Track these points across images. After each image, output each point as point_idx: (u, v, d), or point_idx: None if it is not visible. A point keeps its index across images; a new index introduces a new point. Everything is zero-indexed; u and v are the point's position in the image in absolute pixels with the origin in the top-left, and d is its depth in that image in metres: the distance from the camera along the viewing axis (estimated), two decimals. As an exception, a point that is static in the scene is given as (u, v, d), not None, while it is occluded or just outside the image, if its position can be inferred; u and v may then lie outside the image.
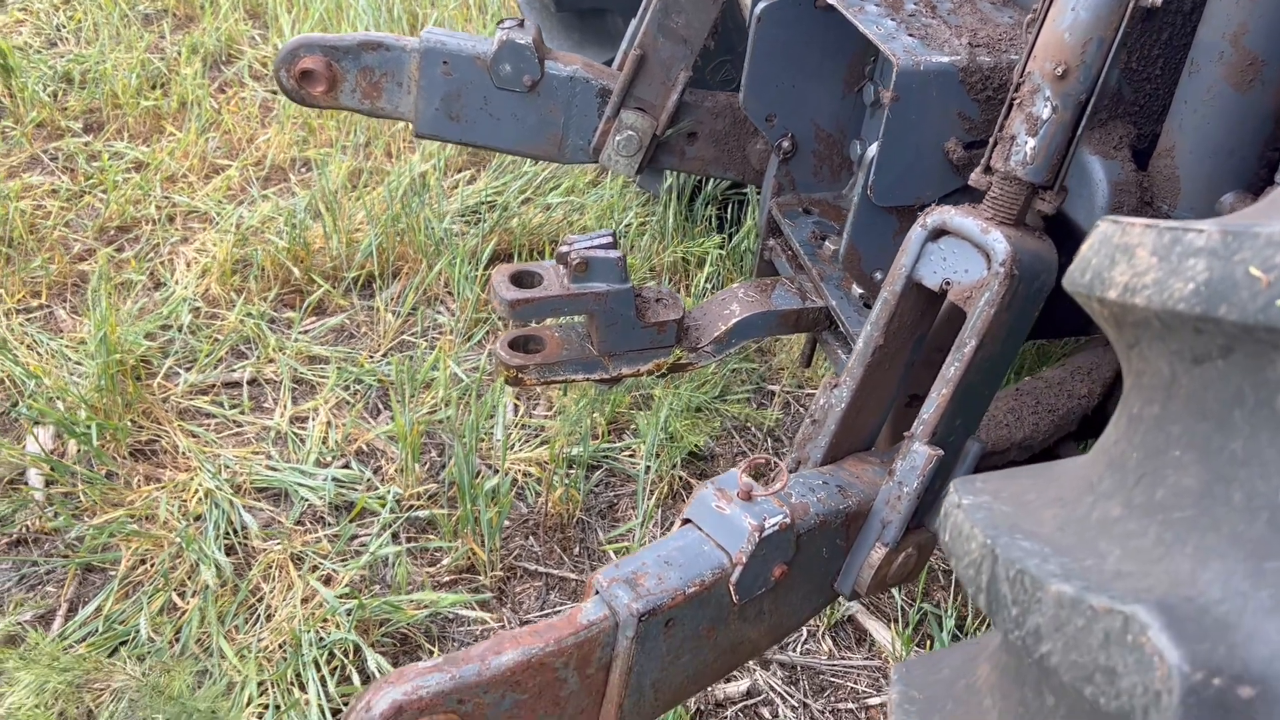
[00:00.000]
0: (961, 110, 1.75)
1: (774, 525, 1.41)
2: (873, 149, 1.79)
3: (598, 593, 1.35)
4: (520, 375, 2.18)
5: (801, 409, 2.96)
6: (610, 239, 2.16)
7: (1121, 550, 0.76)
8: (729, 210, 3.33)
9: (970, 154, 1.79)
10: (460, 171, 3.63)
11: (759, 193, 3.15)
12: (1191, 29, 1.69)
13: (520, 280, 2.16)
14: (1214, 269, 0.68)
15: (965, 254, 1.48)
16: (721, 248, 3.16)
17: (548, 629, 1.28)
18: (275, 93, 3.95)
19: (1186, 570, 0.69)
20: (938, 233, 1.51)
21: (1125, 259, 0.76)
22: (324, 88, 2.33)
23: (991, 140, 1.50)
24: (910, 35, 1.76)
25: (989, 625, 2.33)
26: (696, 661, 1.45)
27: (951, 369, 1.49)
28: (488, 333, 3.04)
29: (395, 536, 2.47)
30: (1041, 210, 1.50)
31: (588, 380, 2.24)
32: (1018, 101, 1.46)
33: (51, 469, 2.50)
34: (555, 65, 2.38)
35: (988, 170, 1.51)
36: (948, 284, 1.50)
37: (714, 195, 3.26)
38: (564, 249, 2.13)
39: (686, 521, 1.47)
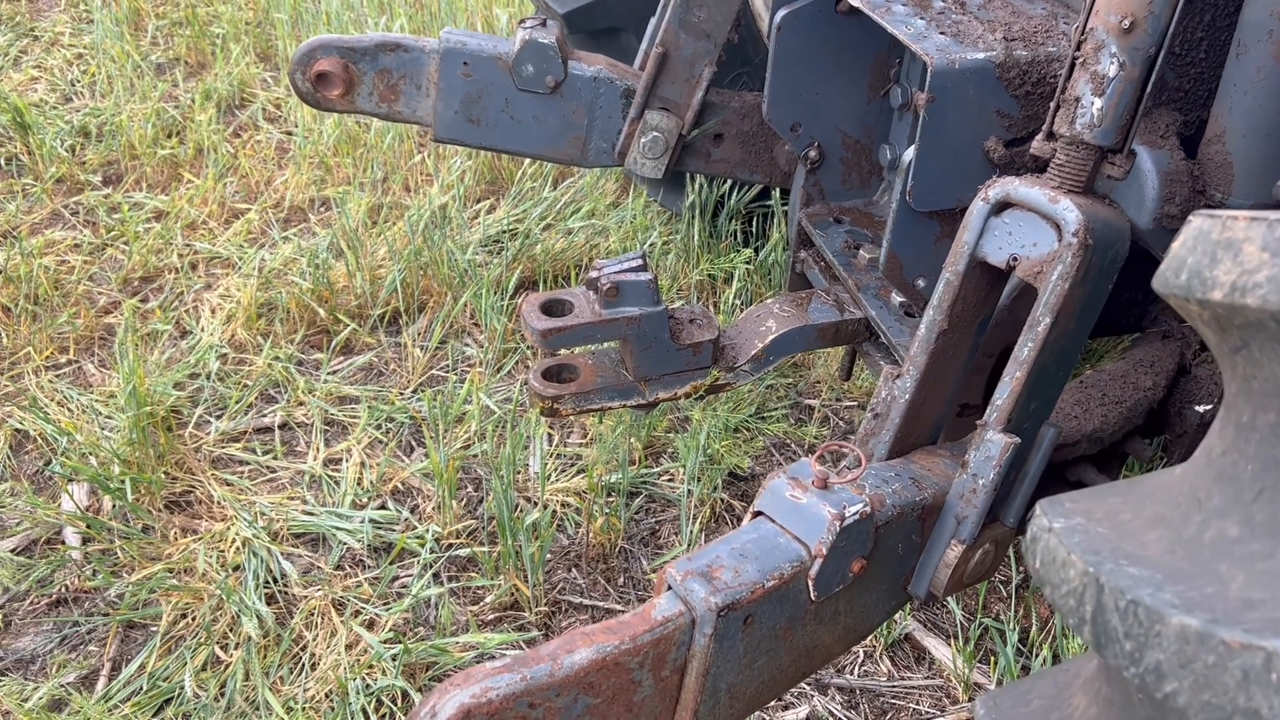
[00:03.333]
0: (1000, 108, 1.69)
1: (854, 514, 1.33)
2: (909, 153, 1.73)
3: (670, 588, 1.27)
4: (556, 406, 2.13)
5: (842, 422, 2.90)
6: (640, 261, 2.11)
7: (1246, 575, 0.69)
8: (754, 224, 3.28)
9: (1012, 152, 1.72)
10: (480, 201, 3.60)
11: (784, 204, 3.10)
12: (1235, 9, 1.62)
13: (551, 309, 2.11)
14: (1339, 263, 0.62)
15: (1033, 226, 1.39)
16: (749, 263, 3.10)
17: (621, 626, 1.20)
18: (290, 134, 3.94)
19: (1328, 596, 0.63)
20: (1001, 206, 1.43)
21: (1229, 256, 0.70)
22: (340, 91, 2.25)
23: (1053, 104, 1.41)
24: (942, 34, 1.71)
25: (1056, 639, 2.25)
26: (772, 666, 1.37)
27: (1025, 350, 1.40)
28: (518, 363, 3.00)
29: (436, 577, 2.42)
30: (1112, 176, 1.41)
31: (624, 406, 2.19)
32: (1080, 60, 1.37)
33: (88, 526, 2.47)
34: (579, 66, 2.32)
35: (1050, 136, 1.43)
36: (1015, 260, 1.41)
37: (738, 209, 3.21)
38: (594, 274, 2.08)
39: (758, 514, 1.39)
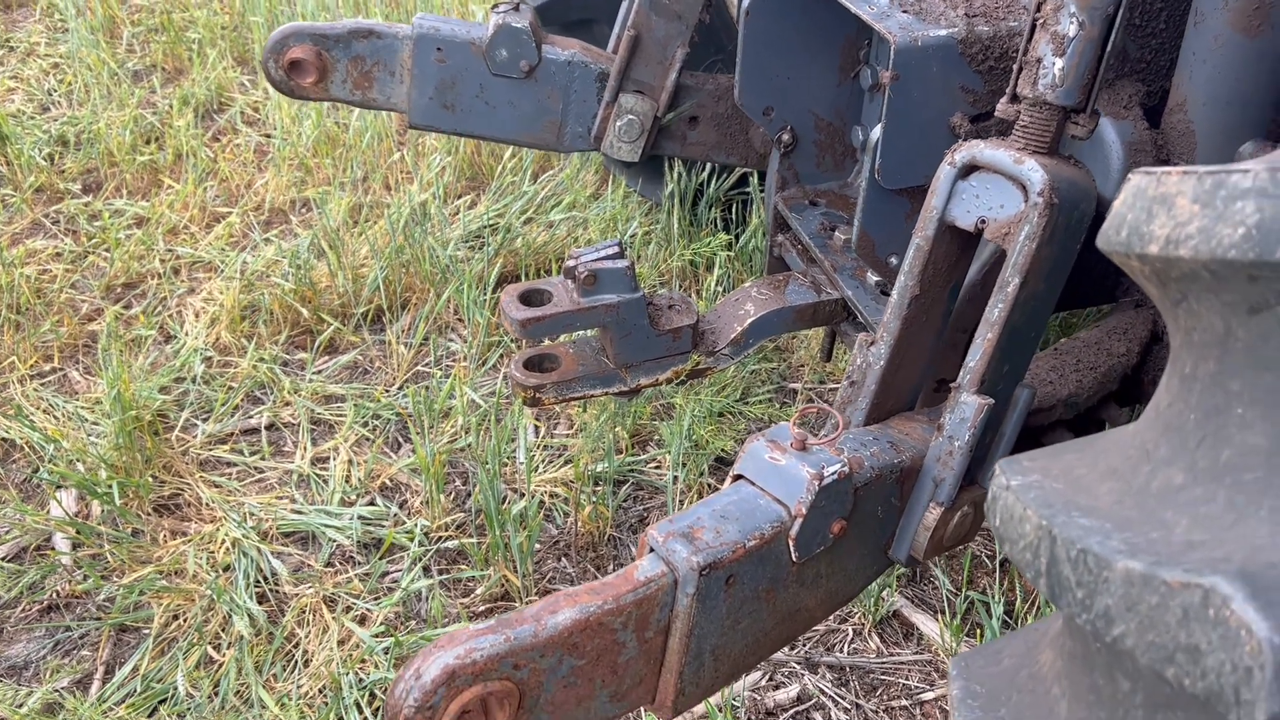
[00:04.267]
0: (964, 83, 1.71)
1: (833, 474, 1.35)
2: (876, 131, 1.74)
3: (652, 550, 1.29)
4: (538, 395, 2.15)
5: (825, 403, 2.91)
6: (617, 248, 2.12)
7: (1190, 519, 0.71)
8: (733, 210, 3.29)
9: (978, 127, 1.74)
10: (460, 197, 3.60)
11: (763, 189, 3.12)
12: (1192, -22, 1.64)
13: (529, 299, 2.13)
14: (1265, 210, 0.64)
15: (999, 188, 1.41)
16: (729, 248, 3.12)
17: (604, 587, 1.21)
18: (269, 136, 3.95)
19: (1265, 535, 0.65)
20: (968, 169, 1.44)
21: (1164, 210, 0.72)
22: (314, 78, 2.24)
23: (1016, 67, 1.43)
24: (904, 11, 1.72)
25: (1040, 609, 2.27)
26: (755, 628, 1.38)
27: (995, 310, 1.42)
28: (502, 356, 3.01)
29: (426, 570, 2.43)
30: (1076, 135, 1.43)
31: (606, 394, 2.21)
32: (1041, 21, 1.39)
33: (77, 531, 2.48)
34: (553, 50, 2.32)
35: (1014, 99, 1.45)
36: (983, 222, 1.43)
37: (717, 197, 3.22)
38: (570, 263, 2.09)
39: (739, 478, 1.40)
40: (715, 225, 3.26)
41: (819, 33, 2.21)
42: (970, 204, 1.44)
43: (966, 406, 1.44)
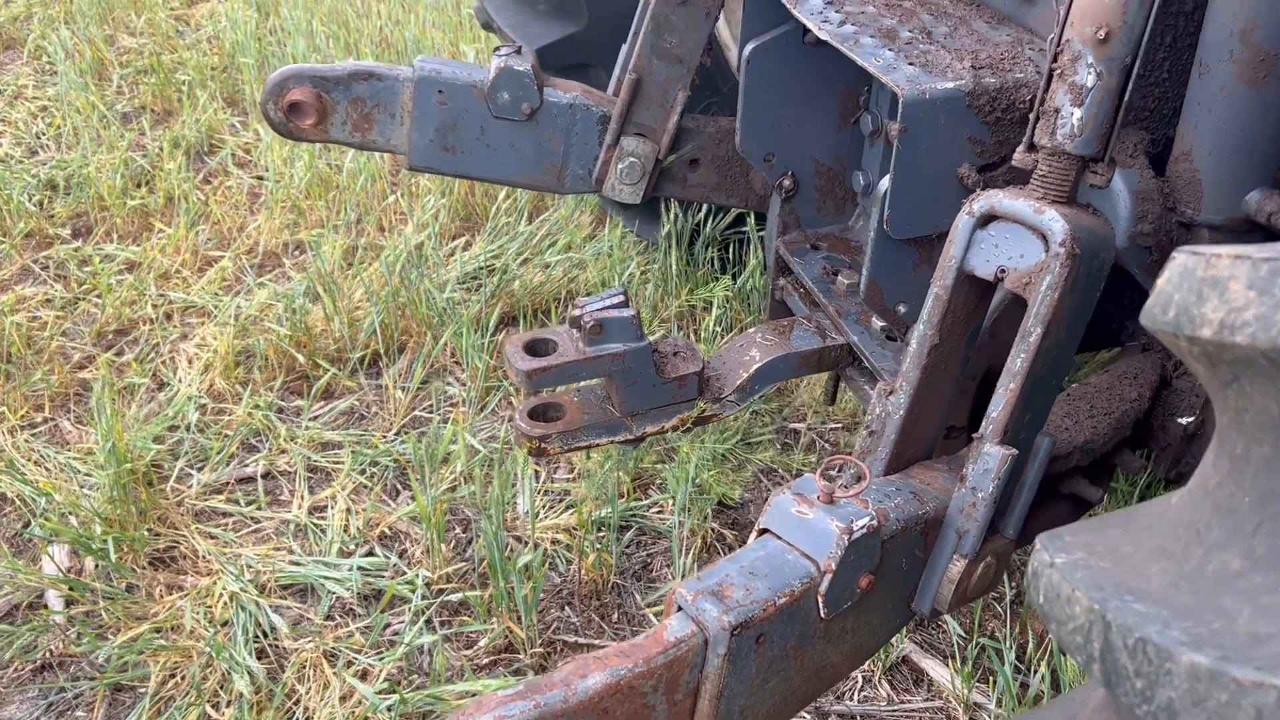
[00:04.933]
0: (972, 134, 1.71)
1: (862, 528, 1.33)
2: (885, 182, 1.74)
3: (680, 608, 1.27)
4: (543, 445, 2.13)
5: (828, 445, 2.90)
6: (622, 297, 2.11)
7: (1251, 609, 0.70)
8: (730, 250, 3.29)
9: (985, 177, 1.74)
10: (455, 238, 3.59)
11: (760, 229, 3.12)
12: (1195, 29, 1.66)
13: (534, 349, 2.11)
14: (1329, 301, 0.63)
15: (1019, 238, 1.41)
16: (728, 290, 3.11)
17: (633, 649, 1.19)
18: (261, 178, 3.93)
19: (1335, 631, 0.64)
20: (986, 218, 1.44)
21: (1216, 294, 0.71)
22: (313, 120, 2.23)
23: (1033, 116, 1.43)
24: (910, 64, 1.73)
25: (1052, 655, 2.25)
26: (783, 687, 1.36)
27: (1018, 361, 1.42)
28: (501, 400, 2.99)
29: (429, 623, 2.39)
30: (1095, 184, 1.43)
31: (612, 443, 2.19)
32: (1058, 72, 1.39)
33: (70, 588, 2.43)
34: (554, 93, 2.32)
35: (1031, 148, 1.45)
36: (1003, 271, 1.43)
37: (714, 237, 3.22)
38: (576, 313, 2.08)
39: (764, 532, 1.39)
40: (712, 265, 3.26)
41: (819, 79, 2.22)
42: (989, 253, 1.44)
43: (990, 457, 1.43)
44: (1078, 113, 1.37)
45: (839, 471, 1.50)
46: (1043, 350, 1.40)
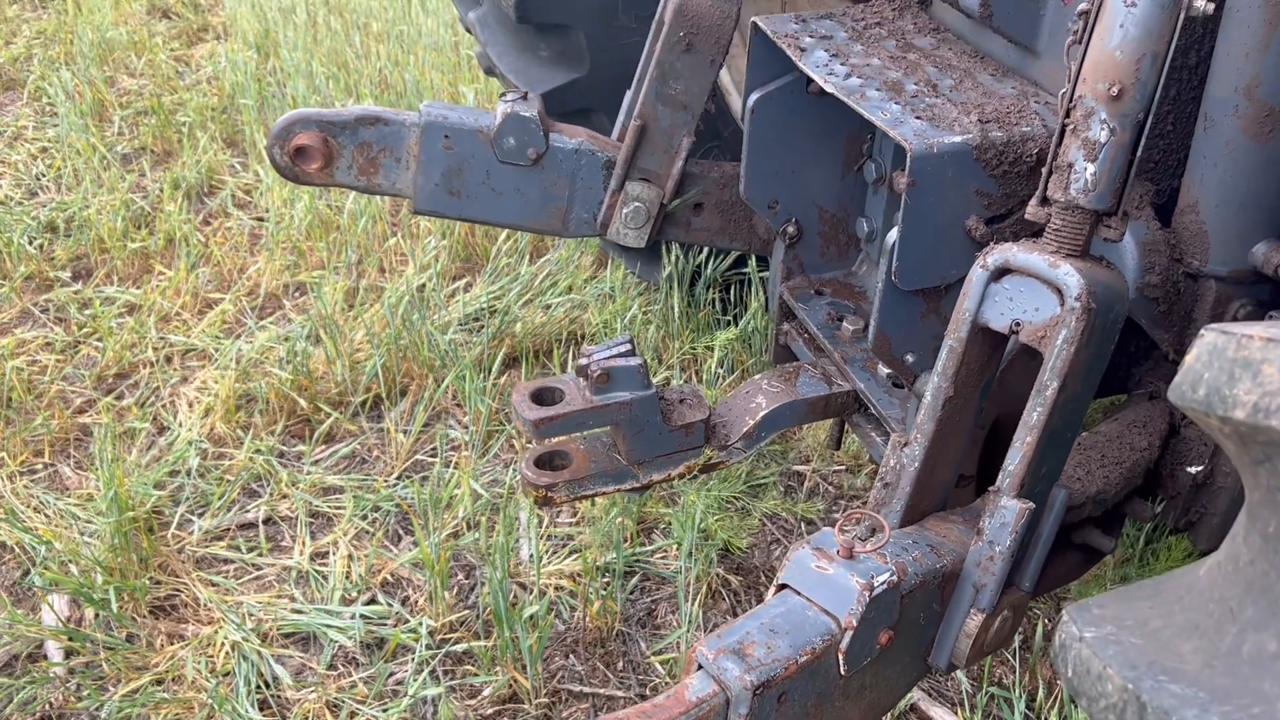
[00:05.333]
0: (979, 187, 1.73)
1: (883, 584, 1.33)
2: (893, 234, 1.75)
3: (701, 666, 1.26)
4: (550, 494, 2.12)
5: (832, 488, 2.90)
6: (628, 345, 2.11)
7: (1291, 694, 0.69)
8: (731, 291, 3.30)
9: (992, 229, 1.75)
10: (456, 279, 3.60)
11: (761, 271, 3.13)
12: (1198, 83, 1.68)
13: (541, 397, 2.11)
14: (1367, 391, 0.63)
15: (1034, 291, 1.42)
16: (736, 336, 3.11)
17: (655, 710, 1.19)
18: (262, 219, 3.93)
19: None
20: (1000, 272, 1.45)
21: (1249, 376, 0.71)
22: (319, 164, 2.23)
23: (1045, 170, 1.45)
24: (918, 118, 1.74)
25: (1064, 704, 2.24)
26: None
27: (1034, 414, 1.42)
28: (504, 443, 2.97)
29: (433, 673, 2.37)
30: (1108, 238, 1.45)
31: (619, 491, 2.18)
32: (1070, 127, 1.41)
33: (70, 639, 2.40)
34: (560, 138, 2.34)
35: (1044, 201, 1.46)
36: (1018, 325, 1.44)
37: (715, 278, 3.23)
38: (583, 361, 2.08)
39: (783, 587, 1.39)
40: (714, 306, 3.26)
41: (823, 128, 2.23)
42: (1004, 306, 1.44)
43: (1007, 511, 1.43)
44: (1091, 168, 1.38)
45: (855, 524, 1.49)
46: (1059, 404, 1.41)
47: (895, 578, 1.35)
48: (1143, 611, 0.88)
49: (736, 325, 3.16)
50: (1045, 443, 1.44)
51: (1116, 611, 0.88)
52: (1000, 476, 1.45)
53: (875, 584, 1.33)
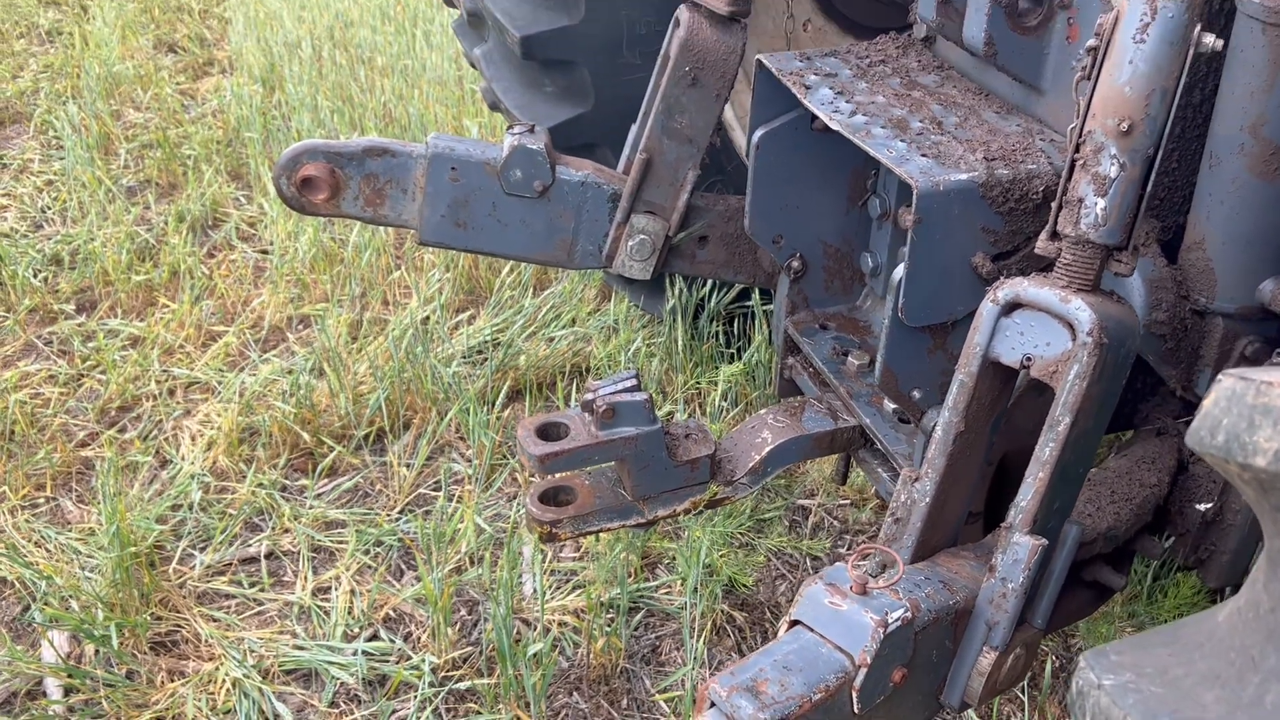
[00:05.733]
0: (985, 224, 1.73)
1: (896, 620, 1.32)
2: (899, 271, 1.75)
3: (714, 704, 1.26)
4: (554, 530, 2.11)
5: (837, 522, 2.88)
6: (634, 380, 2.11)
7: (1318, 747, 0.68)
8: (735, 324, 3.30)
9: (999, 266, 1.76)
10: (460, 312, 3.60)
11: (765, 304, 3.13)
12: (1203, 121, 1.68)
13: (546, 433, 2.10)
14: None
15: (1044, 326, 1.42)
16: (740, 370, 3.11)
17: None
18: (266, 252, 3.94)
19: None
20: (1011, 306, 1.45)
21: (1269, 423, 0.71)
22: (326, 195, 2.24)
23: (1055, 205, 1.45)
24: (924, 155, 1.75)
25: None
26: None
27: (1046, 450, 1.42)
28: (507, 477, 2.96)
29: (436, 712, 2.34)
30: (1119, 273, 1.45)
31: (624, 527, 2.17)
32: (1080, 162, 1.41)
33: (70, 675, 2.38)
34: (566, 170, 2.34)
35: (1054, 236, 1.46)
36: (1029, 360, 1.43)
37: (718, 311, 3.23)
38: (588, 396, 2.07)
39: (795, 624, 1.38)
40: (717, 339, 3.26)
41: (827, 163, 2.24)
42: (1014, 341, 1.44)
43: (1020, 548, 1.42)
44: (1101, 203, 1.39)
45: (867, 559, 1.48)
46: (1071, 439, 1.41)
47: (909, 614, 1.34)
48: (1162, 659, 0.87)
49: (740, 359, 3.16)
50: (1058, 478, 1.43)
51: (1135, 658, 0.87)
52: (1012, 512, 1.44)
53: (889, 620, 1.32)
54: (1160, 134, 1.38)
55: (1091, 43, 1.40)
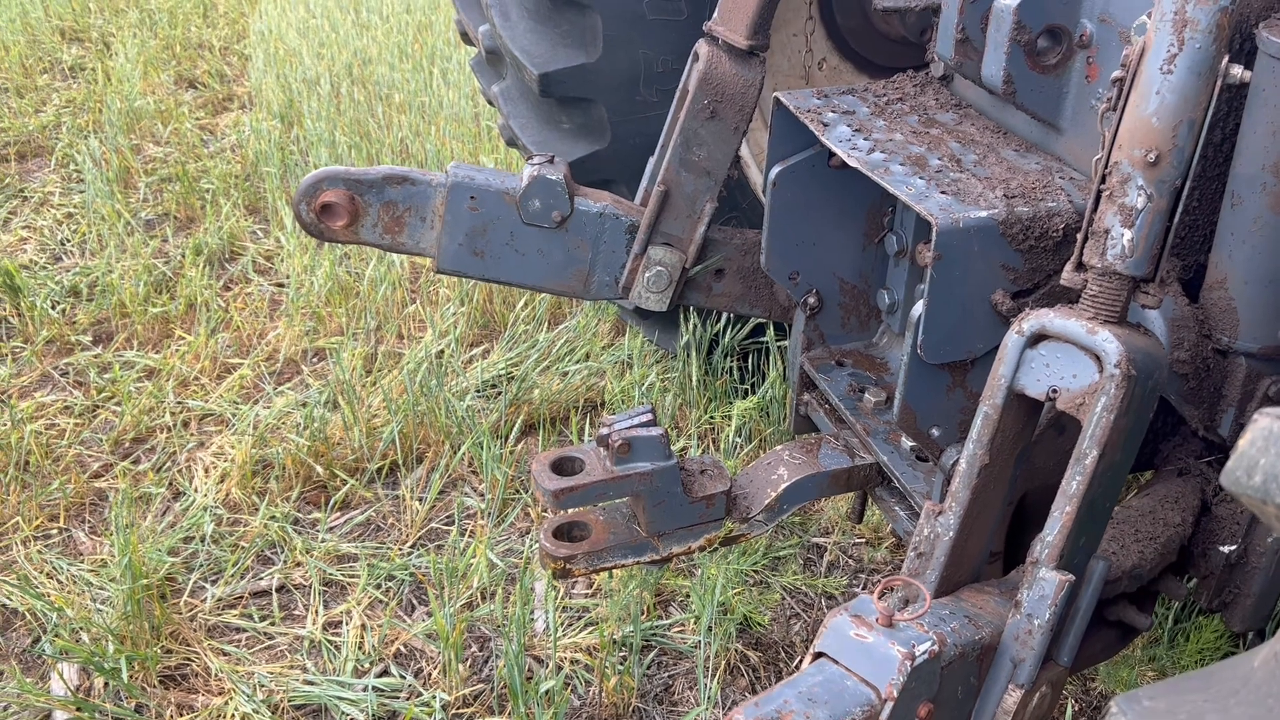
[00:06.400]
0: (1005, 262, 1.73)
1: (924, 653, 1.30)
2: (918, 308, 1.75)
3: None
4: (568, 566, 2.09)
5: (852, 561, 2.85)
6: (649, 415, 2.10)
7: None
8: (749, 360, 3.29)
9: (1018, 303, 1.75)
10: (474, 346, 3.60)
11: (779, 340, 3.13)
12: (1224, 160, 1.68)
13: (561, 467, 2.09)
14: None
15: (1071, 358, 1.41)
16: (755, 405, 3.10)
17: None
18: (282, 285, 3.96)
19: None
20: (1037, 338, 1.44)
21: (1308, 464, 0.70)
22: (345, 221, 2.24)
23: (1081, 236, 1.44)
24: (943, 192, 1.75)
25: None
26: None
27: (1073, 483, 1.40)
28: (520, 512, 2.95)
29: (447, 748, 2.32)
30: (1146, 305, 1.43)
31: (638, 563, 2.15)
32: (1107, 193, 1.40)
33: (78, 709, 2.36)
34: (585, 201, 2.35)
35: (1080, 267, 1.45)
36: (1055, 392, 1.42)
37: (732, 346, 3.23)
38: (604, 431, 2.07)
39: (819, 656, 1.35)
40: (731, 374, 3.25)
41: (844, 201, 2.25)
42: (1040, 373, 1.43)
43: (1046, 583, 1.40)
44: (1128, 234, 1.38)
45: (891, 593, 1.46)
46: (1098, 473, 1.39)
47: (936, 647, 1.31)
48: (1197, 705, 0.85)
49: (754, 394, 3.15)
50: (1084, 513, 1.41)
51: (1169, 704, 0.85)
52: (1038, 547, 1.42)
53: (917, 654, 1.29)
54: (1188, 165, 1.37)
55: (1117, 74, 1.40)
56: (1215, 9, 1.31)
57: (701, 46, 2.30)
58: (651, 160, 2.48)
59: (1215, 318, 1.69)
